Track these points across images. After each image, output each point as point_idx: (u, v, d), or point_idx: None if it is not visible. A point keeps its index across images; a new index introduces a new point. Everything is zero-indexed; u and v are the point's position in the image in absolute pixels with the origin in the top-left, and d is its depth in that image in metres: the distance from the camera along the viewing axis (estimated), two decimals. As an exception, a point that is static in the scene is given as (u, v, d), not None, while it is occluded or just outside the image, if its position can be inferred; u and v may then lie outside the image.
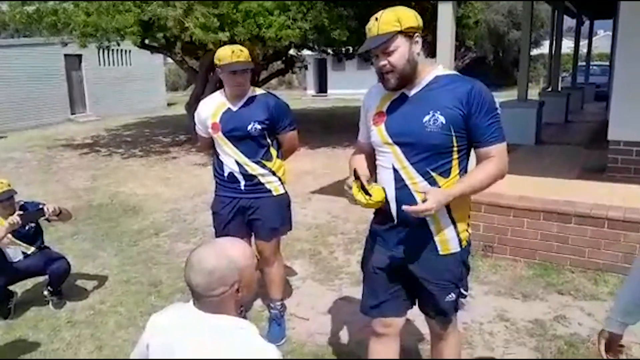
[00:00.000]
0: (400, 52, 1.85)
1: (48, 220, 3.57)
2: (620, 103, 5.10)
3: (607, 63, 16.23)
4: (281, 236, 3.21)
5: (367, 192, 1.90)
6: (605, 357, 1.70)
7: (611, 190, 4.44)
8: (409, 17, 1.85)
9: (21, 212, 3.44)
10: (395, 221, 2.01)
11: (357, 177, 1.91)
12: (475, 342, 3.07)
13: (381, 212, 2.06)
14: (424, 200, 1.79)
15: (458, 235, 2.02)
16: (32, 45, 15.58)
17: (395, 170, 1.98)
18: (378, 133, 2.01)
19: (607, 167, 5.20)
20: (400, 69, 1.87)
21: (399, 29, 1.83)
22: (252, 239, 3.12)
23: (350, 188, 1.92)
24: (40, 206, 3.51)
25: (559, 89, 11.72)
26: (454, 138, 1.91)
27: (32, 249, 3.69)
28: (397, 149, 1.96)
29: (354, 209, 5.81)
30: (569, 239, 4.02)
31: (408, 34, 1.85)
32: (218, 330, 1.39)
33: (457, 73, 2.00)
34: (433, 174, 1.93)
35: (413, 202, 1.86)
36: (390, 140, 1.97)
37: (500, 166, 1.95)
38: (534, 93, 11.22)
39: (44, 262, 3.68)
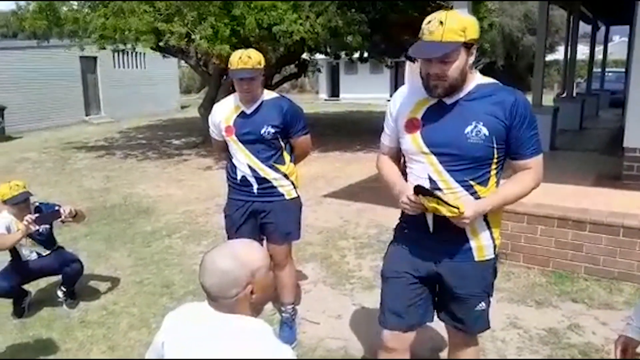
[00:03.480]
0: (458, 63, 1.77)
1: (63, 221, 3.60)
2: (637, 110, 5.04)
3: (623, 69, 16.05)
4: (293, 241, 3.21)
5: (452, 206, 1.78)
6: None
7: (627, 198, 4.39)
8: (473, 28, 1.77)
9: (37, 215, 3.46)
10: (431, 229, 1.96)
11: (418, 193, 1.81)
12: (488, 349, 3.05)
13: (412, 219, 1.98)
14: (461, 212, 1.77)
15: (494, 242, 2.00)
16: (48, 48, 15.73)
17: (431, 180, 1.91)
18: (412, 141, 1.93)
19: (622, 174, 5.13)
20: (452, 80, 1.80)
21: (463, 39, 1.74)
22: (264, 242, 3.12)
23: (413, 203, 1.83)
24: (56, 208, 3.53)
25: (574, 95, 11.61)
26: (495, 150, 1.86)
27: (47, 250, 3.73)
28: (434, 158, 1.89)
29: (366, 214, 5.86)
30: (583, 246, 3.97)
31: (467, 45, 1.78)
32: (234, 330, 1.39)
33: (498, 82, 1.92)
34: (472, 182, 1.89)
35: None
36: (427, 150, 1.89)
37: (537, 178, 1.95)
38: (548, 99, 11.12)
39: (58, 264, 3.72)
